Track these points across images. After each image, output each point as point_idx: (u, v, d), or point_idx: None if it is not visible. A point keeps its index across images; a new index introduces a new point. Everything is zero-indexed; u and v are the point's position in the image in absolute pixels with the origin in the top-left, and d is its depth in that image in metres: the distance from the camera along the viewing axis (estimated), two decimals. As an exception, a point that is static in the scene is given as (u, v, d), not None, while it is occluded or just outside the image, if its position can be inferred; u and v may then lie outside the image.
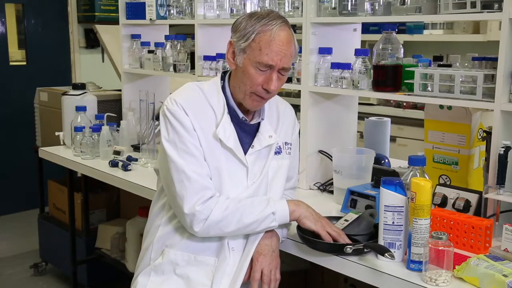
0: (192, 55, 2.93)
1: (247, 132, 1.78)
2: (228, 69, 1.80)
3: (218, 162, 1.71)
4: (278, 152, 1.82)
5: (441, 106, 2.09)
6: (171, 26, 3.43)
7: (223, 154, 1.72)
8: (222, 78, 1.79)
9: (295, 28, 5.35)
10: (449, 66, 2.18)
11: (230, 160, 1.73)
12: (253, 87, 1.68)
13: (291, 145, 1.87)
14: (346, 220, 1.77)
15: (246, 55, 1.67)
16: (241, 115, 1.75)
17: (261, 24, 1.64)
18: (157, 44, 3.09)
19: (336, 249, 1.66)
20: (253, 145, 1.76)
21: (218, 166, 1.71)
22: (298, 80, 2.35)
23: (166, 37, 3.07)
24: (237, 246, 1.74)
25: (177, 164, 1.67)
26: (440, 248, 1.45)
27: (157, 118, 2.09)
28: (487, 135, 1.87)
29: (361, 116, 2.63)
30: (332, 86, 2.23)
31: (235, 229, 1.68)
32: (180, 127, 1.68)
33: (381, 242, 1.60)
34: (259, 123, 1.80)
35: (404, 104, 4.44)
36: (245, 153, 1.75)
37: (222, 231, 1.68)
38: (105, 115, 3.08)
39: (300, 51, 2.32)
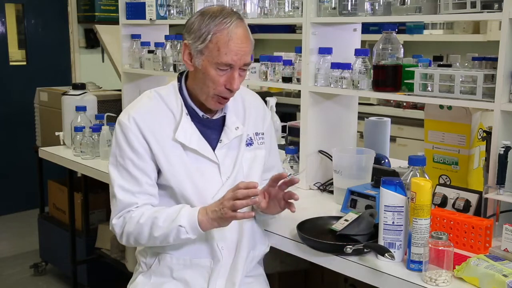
0: (192, 55, 2.93)
1: (212, 128, 1.76)
2: (184, 70, 1.78)
3: (186, 165, 1.70)
4: (249, 143, 1.80)
5: (441, 106, 2.09)
6: (171, 26, 3.43)
7: (190, 155, 1.71)
8: (179, 80, 1.77)
9: (295, 28, 5.39)
10: (449, 66, 2.18)
11: (199, 160, 1.71)
12: (216, 88, 1.66)
13: (263, 134, 1.84)
14: (346, 220, 1.77)
15: (204, 56, 1.64)
16: (201, 113, 1.74)
17: (216, 23, 1.61)
18: (157, 44, 3.09)
19: (336, 249, 1.66)
20: (221, 140, 1.75)
21: (187, 169, 1.69)
22: (298, 80, 2.35)
23: (166, 37, 3.07)
24: (226, 245, 1.73)
25: (111, 177, 1.71)
26: (440, 248, 1.45)
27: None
28: (487, 135, 1.87)
29: (361, 116, 2.63)
30: (332, 86, 2.23)
31: (149, 242, 1.68)
32: (124, 142, 1.68)
33: (381, 242, 1.60)
34: (224, 117, 1.77)
35: (404, 104, 4.44)
36: (214, 149, 1.74)
37: (139, 243, 1.70)
38: (105, 115, 3.08)
39: (300, 51, 2.32)
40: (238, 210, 1.57)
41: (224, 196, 1.61)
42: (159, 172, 1.70)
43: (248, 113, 1.82)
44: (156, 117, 1.70)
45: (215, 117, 1.76)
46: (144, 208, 1.68)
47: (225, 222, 1.62)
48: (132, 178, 1.68)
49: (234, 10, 1.69)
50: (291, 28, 5.49)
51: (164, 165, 1.68)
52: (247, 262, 1.77)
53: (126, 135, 1.68)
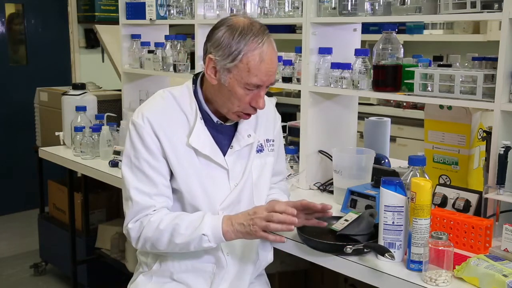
0: (192, 55, 2.93)
1: (225, 134, 1.74)
2: (199, 72, 1.76)
3: (197, 168, 1.68)
4: (260, 150, 1.78)
5: (441, 106, 2.09)
6: (171, 26, 3.43)
7: (201, 161, 1.69)
8: (194, 82, 1.74)
9: (295, 28, 5.39)
10: (449, 66, 2.18)
11: (210, 166, 1.69)
12: (241, 106, 1.64)
13: (273, 141, 1.83)
14: (346, 220, 1.77)
15: (232, 75, 1.59)
16: (215, 119, 1.72)
17: (247, 42, 1.56)
18: (157, 44, 3.09)
19: (336, 249, 1.66)
20: (232, 146, 1.73)
21: (199, 174, 1.68)
22: (298, 80, 2.35)
23: (166, 37, 3.07)
24: (232, 250, 1.72)
25: (125, 180, 1.68)
26: (440, 248, 1.45)
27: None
28: (487, 135, 1.87)
29: (361, 116, 2.63)
30: (332, 86, 2.23)
31: (168, 249, 1.65)
32: (139, 142, 1.65)
33: (381, 242, 1.60)
34: (236, 124, 1.75)
35: (404, 104, 4.44)
36: (224, 155, 1.72)
37: (157, 249, 1.67)
38: (105, 115, 3.08)
39: (300, 51, 2.32)
40: None
41: (256, 212, 1.58)
42: (171, 175, 1.68)
43: (260, 119, 1.80)
44: (169, 118, 1.67)
45: (228, 123, 1.74)
46: (162, 213, 1.65)
47: (252, 237, 1.61)
48: (148, 180, 1.65)
49: (261, 24, 1.63)
50: (291, 28, 5.49)
51: (176, 168, 1.66)
52: (254, 271, 1.77)
53: (141, 136, 1.65)
